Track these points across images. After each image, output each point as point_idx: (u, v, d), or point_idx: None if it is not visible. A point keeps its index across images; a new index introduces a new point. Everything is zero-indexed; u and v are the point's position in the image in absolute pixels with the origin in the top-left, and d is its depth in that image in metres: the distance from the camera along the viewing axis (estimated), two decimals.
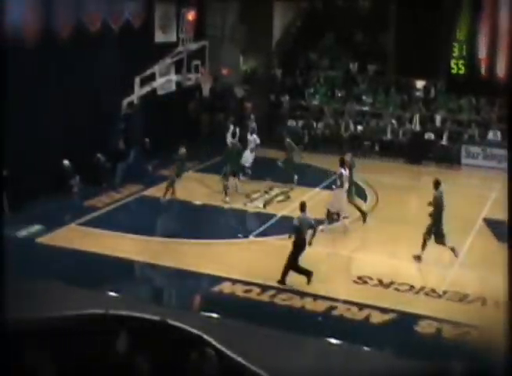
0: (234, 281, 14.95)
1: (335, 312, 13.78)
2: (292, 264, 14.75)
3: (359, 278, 15.35)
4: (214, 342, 11.32)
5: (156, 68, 21.64)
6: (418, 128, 26.23)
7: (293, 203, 18.93)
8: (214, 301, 14.52)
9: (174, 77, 22.06)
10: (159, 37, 23.56)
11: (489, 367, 9.80)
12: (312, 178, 22.49)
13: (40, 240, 17.01)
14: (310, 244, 14.90)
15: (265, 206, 19.99)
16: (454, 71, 9.41)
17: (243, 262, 16.12)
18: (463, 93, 25.15)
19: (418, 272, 16.11)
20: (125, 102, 21.44)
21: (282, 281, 14.83)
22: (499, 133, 25.24)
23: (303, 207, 15.01)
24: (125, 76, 21.48)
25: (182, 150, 20.26)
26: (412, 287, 15.01)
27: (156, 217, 19.47)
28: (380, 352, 12.71)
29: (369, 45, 29.57)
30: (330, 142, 26.86)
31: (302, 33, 31.04)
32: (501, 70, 8.73)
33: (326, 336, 12.89)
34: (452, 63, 9.47)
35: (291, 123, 28.02)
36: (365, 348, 12.57)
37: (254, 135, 22.30)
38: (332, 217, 18.02)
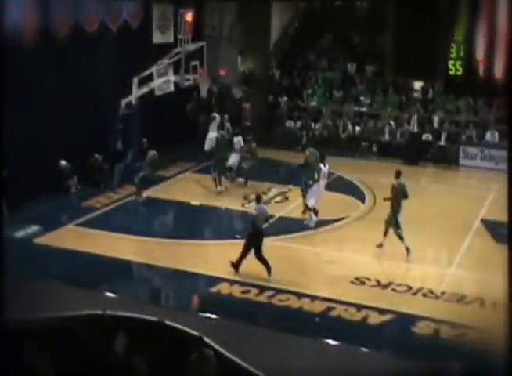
0: (232, 282, 14.94)
1: (333, 313, 13.77)
2: (257, 254, 15.11)
3: (357, 279, 15.34)
4: (211, 343, 11.31)
5: (154, 69, 21.62)
6: (416, 128, 26.23)
7: (291, 204, 18.92)
8: (211, 301, 14.51)
9: (172, 77, 22.04)
10: (157, 37, 23.55)
11: (488, 368, 9.80)
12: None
13: (37, 240, 17.00)
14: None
15: None
16: (452, 72, 9.41)
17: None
18: (461, 94, 25.16)
19: (416, 273, 16.11)
20: (123, 102, 21.41)
21: (235, 267, 15.18)
22: (496, 134, 25.27)
23: (259, 199, 15.53)
24: (123, 76, 21.46)
25: (152, 153, 20.12)
26: (410, 287, 15.00)
27: (154, 218, 19.45)
28: (378, 352, 12.72)
29: (367, 45, 29.59)
30: (328, 143, 26.85)
31: (300, 34, 31.05)
32: (499, 71, 8.73)
33: (323, 337, 12.89)
34: (450, 64, 9.46)
35: (289, 124, 28.03)
36: (363, 349, 12.57)
37: (240, 137, 22.32)
38: (308, 210, 18.50)
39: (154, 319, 11.96)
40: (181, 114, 24.64)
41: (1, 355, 9.18)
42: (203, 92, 23.14)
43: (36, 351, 9.96)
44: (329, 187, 21.19)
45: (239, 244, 17.08)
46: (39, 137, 19.30)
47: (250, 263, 16.13)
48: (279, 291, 14.53)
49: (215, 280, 15.04)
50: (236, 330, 12.84)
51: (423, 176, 25.14)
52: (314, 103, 28.61)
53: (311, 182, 18.35)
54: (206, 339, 10.92)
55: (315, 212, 18.44)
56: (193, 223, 19.03)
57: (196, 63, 22.01)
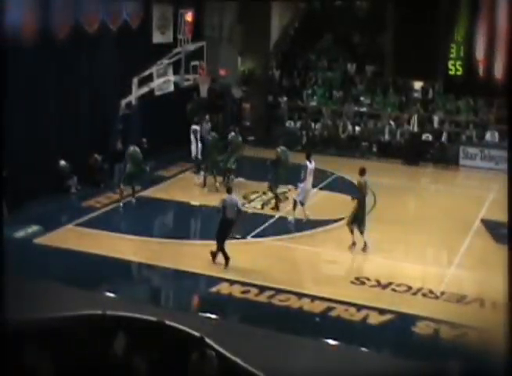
0: (232, 282, 14.94)
1: (333, 313, 13.77)
2: (219, 242, 15.64)
3: (357, 279, 15.35)
4: (211, 343, 11.32)
5: (154, 69, 21.63)
6: (416, 129, 26.23)
7: (291, 204, 18.92)
8: (211, 301, 14.51)
9: (172, 77, 22.05)
10: (157, 37, 23.55)
11: (488, 368, 9.81)
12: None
13: (38, 240, 16.99)
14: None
15: (263, 207, 19.99)
16: (452, 72, 9.41)
17: (241, 263, 16.10)
18: (461, 94, 25.16)
19: (416, 273, 16.11)
20: (123, 102, 21.41)
21: (213, 255, 15.73)
22: (496, 134, 25.27)
23: (229, 190, 16.16)
24: (123, 76, 21.47)
25: (131, 148, 19.87)
26: (410, 287, 15.00)
27: (154, 217, 19.45)
28: (378, 352, 12.74)
29: (367, 45, 29.58)
30: (328, 143, 26.88)
31: (300, 34, 31.04)
32: (499, 71, 8.74)
33: (324, 337, 12.89)
34: (450, 64, 9.47)
35: (289, 124, 28.03)
36: (363, 349, 12.58)
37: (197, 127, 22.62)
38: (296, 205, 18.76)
39: (154, 319, 11.97)
40: (181, 114, 24.64)
41: (1, 355, 9.19)
42: (203, 92, 23.13)
43: (36, 351, 9.97)
44: (330, 187, 21.24)
45: (239, 244, 17.13)
46: (39, 137, 19.30)
47: (251, 263, 16.16)
48: (279, 291, 14.52)
49: (215, 280, 15.04)
50: (236, 330, 12.85)
51: (423, 176, 25.16)
52: (314, 103, 28.61)
53: (300, 184, 18.61)
54: (204, 338, 10.93)
55: (294, 207, 18.70)
56: (193, 223, 19.05)
57: (197, 63, 22.01)
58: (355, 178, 22.62)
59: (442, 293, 14.82)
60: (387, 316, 13.69)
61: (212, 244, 16.10)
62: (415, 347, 12.90)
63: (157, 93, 21.92)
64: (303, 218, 18.56)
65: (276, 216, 19.09)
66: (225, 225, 15.78)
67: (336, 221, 18.79)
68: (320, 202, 18.86)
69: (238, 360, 11.13)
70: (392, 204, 20.58)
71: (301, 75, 29.65)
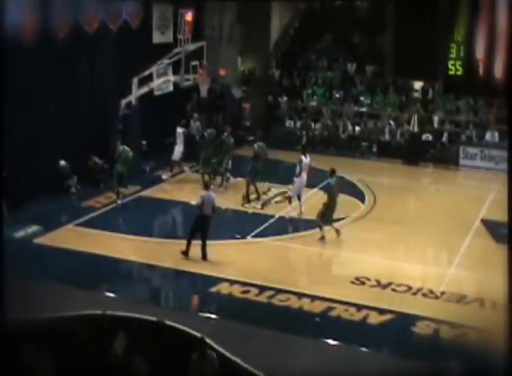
0: (232, 282, 14.94)
1: (333, 313, 13.76)
2: (189, 234, 15.97)
3: (357, 279, 15.34)
4: (211, 343, 11.31)
5: (153, 69, 21.63)
6: (416, 129, 26.23)
7: (293, 201, 18.93)
8: (211, 301, 14.51)
9: (171, 77, 22.06)
10: (157, 37, 23.54)
11: (488, 368, 9.81)
12: (310, 178, 22.44)
13: (37, 240, 16.99)
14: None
15: (263, 207, 19.99)
16: (452, 72, 9.42)
17: (241, 263, 16.11)
18: (461, 94, 25.16)
19: (416, 273, 16.11)
20: (123, 102, 21.41)
21: (185, 253, 15.96)
22: (496, 134, 25.27)
23: (207, 186, 16.78)
24: (123, 76, 21.47)
25: (121, 148, 19.79)
26: (410, 287, 15.00)
27: (154, 217, 19.45)
28: (378, 352, 12.73)
29: (367, 45, 29.59)
30: (328, 143, 26.88)
31: (300, 34, 31.05)
32: (499, 70, 8.74)
33: (324, 337, 12.89)
34: (450, 64, 9.47)
35: (289, 124, 28.03)
36: (363, 349, 12.58)
37: (182, 129, 22.65)
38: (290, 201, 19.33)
39: (154, 319, 11.96)
40: (181, 114, 24.62)
41: (1, 355, 9.18)
42: (203, 92, 23.14)
43: (36, 351, 9.96)
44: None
45: (239, 244, 17.14)
46: (39, 137, 19.30)
47: (251, 263, 16.17)
48: (279, 291, 14.52)
49: (215, 280, 15.04)
50: (236, 330, 12.84)
51: (423, 176, 25.16)
52: (314, 103, 28.61)
53: (295, 179, 18.90)
54: (204, 338, 10.93)
55: (290, 201, 19.24)
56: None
57: (196, 62, 22.01)
58: (355, 178, 22.77)
59: (442, 293, 14.82)
60: (387, 316, 13.69)
61: (212, 244, 16.11)
62: (415, 347, 12.90)
63: (157, 93, 21.93)
64: (298, 217, 18.60)
65: (276, 216, 19.10)
66: (200, 222, 15.97)
67: (336, 221, 18.77)
68: (320, 202, 18.81)
69: (238, 360, 11.13)
70: (392, 204, 20.58)
71: (301, 75, 29.65)
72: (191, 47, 21.98)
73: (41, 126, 19.38)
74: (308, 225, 18.25)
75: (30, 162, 19.02)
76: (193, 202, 16.75)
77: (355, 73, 29.42)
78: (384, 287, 15.05)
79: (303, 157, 18.96)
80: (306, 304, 14.11)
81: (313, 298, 14.31)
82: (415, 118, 26.28)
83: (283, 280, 15.13)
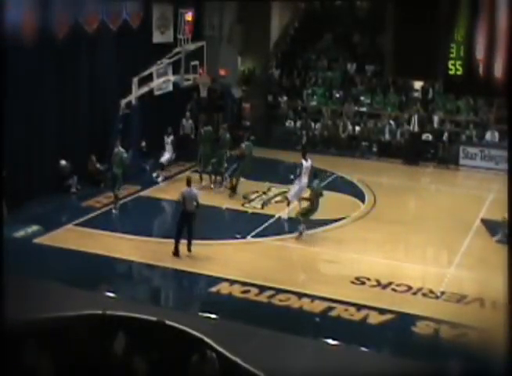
0: (232, 282, 14.94)
1: (333, 313, 13.77)
2: (175, 233, 16.13)
3: (357, 279, 15.34)
4: (211, 343, 11.32)
5: (153, 68, 21.63)
6: (416, 128, 26.21)
7: (291, 203, 18.91)
8: (211, 301, 14.51)
9: (171, 77, 22.06)
10: (157, 37, 23.53)
11: (488, 368, 9.81)
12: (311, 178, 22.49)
13: (37, 240, 16.99)
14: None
15: (262, 206, 19.99)
16: (452, 72, 9.42)
17: (241, 263, 16.11)
18: (461, 94, 25.13)
19: (416, 273, 16.11)
20: (123, 102, 21.41)
21: (175, 254, 16.08)
22: (496, 134, 25.25)
23: (189, 182, 16.67)
24: (123, 76, 21.47)
25: (115, 150, 19.48)
26: (410, 287, 15.00)
27: (154, 217, 19.45)
28: (378, 352, 12.74)
29: (367, 45, 29.58)
30: (328, 142, 26.87)
31: (300, 34, 31.04)
32: (499, 70, 8.74)
33: (324, 337, 12.89)
34: (450, 63, 9.47)
35: (289, 124, 28.03)
36: (363, 349, 12.58)
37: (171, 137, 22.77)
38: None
39: (154, 319, 11.96)
40: (181, 114, 24.62)
41: (1, 355, 9.18)
42: (203, 92, 23.14)
43: (36, 351, 9.96)
44: (330, 187, 21.23)
45: (239, 244, 17.14)
46: (39, 137, 19.30)
47: (251, 263, 16.17)
48: (279, 291, 14.52)
49: (215, 280, 15.04)
50: (236, 330, 12.84)
51: (423, 176, 25.15)
52: (314, 103, 28.59)
53: (295, 181, 18.93)
54: (204, 338, 10.93)
55: (288, 204, 19.07)
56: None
57: (197, 62, 22.00)
58: (355, 178, 22.78)
59: (442, 293, 14.82)
60: (387, 316, 13.69)
61: (212, 244, 16.12)
62: (415, 347, 12.91)
63: (157, 93, 21.93)
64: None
65: (276, 216, 19.09)
66: (184, 218, 16.15)
67: (336, 221, 18.80)
68: (320, 202, 18.83)
69: (238, 360, 11.13)
70: (392, 204, 20.58)
71: (300, 75, 29.63)
72: (191, 47, 21.97)
73: (41, 126, 19.38)
74: (308, 225, 18.22)
75: (30, 162, 19.02)
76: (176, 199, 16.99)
77: (355, 73, 29.41)
78: (384, 286, 15.05)
79: (303, 161, 18.88)
80: (306, 304, 14.11)
81: (313, 297, 14.31)
82: (415, 118, 26.27)
83: (283, 279, 15.14)
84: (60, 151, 19.99)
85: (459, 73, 9.82)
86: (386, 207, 20.18)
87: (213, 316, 13.49)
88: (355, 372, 11.57)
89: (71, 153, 20.21)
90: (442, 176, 24.72)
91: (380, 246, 17.18)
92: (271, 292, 14.49)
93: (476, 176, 24.35)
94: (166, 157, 22.50)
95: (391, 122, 26.90)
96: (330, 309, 13.90)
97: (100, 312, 11.93)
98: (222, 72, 25.32)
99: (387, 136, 26.66)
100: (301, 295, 14.39)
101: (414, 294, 14.79)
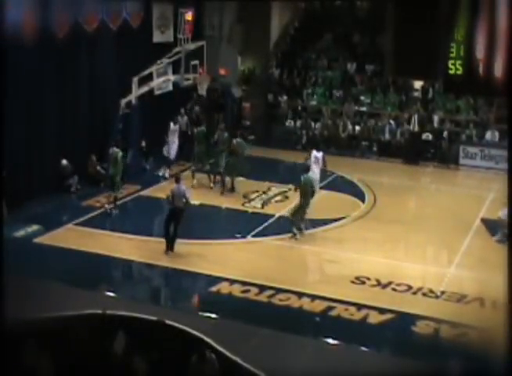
0: (232, 281, 14.94)
1: (333, 313, 13.77)
2: (164, 230, 16.33)
3: (357, 278, 15.34)
4: (211, 342, 11.32)
5: (153, 68, 21.63)
6: (416, 128, 26.21)
7: (291, 203, 18.93)
8: (211, 301, 14.51)
9: (171, 77, 22.06)
10: (157, 37, 23.53)
11: (488, 368, 9.81)
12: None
13: (37, 240, 16.99)
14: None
15: (263, 206, 20.00)
16: (452, 72, 9.42)
17: (241, 263, 16.12)
18: (461, 93, 25.12)
19: (416, 273, 16.11)
20: (123, 102, 21.41)
21: (168, 249, 16.24)
22: (496, 133, 25.25)
23: (177, 179, 16.74)
24: (123, 76, 21.47)
25: (111, 150, 19.28)
26: (410, 287, 15.00)
27: (154, 217, 19.44)
28: (378, 352, 12.74)
29: (367, 45, 29.58)
30: (328, 142, 26.84)
31: (300, 33, 31.04)
32: (499, 70, 8.74)
33: (324, 336, 12.89)
34: (450, 63, 9.47)
35: (289, 123, 28.03)
36: (363, 349, 12.58)
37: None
38: None
39: (154, 319, 11.97)
40: (180, 114, 24.61)
41: (1, 355, 9.19)
42: (203, 92, 23.13)
43: (36, 351, 9.97)
44: (330, 187, 21.25)
45: (239, 244, 17.14)
46: (39, 137, 19.29)
47: (251, 263, 16.17)
48: (279, 291, 14.53)
49: (215, 280, 15.04)
50: (235, 330, 12.84)
51: (423, 176, 25.15)
52: (314, 103, 28.59)
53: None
54: (204, 338, 10.93)
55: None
56: (193, 223, 19.00)
57: (197, 62, 22.00)
58: (355, 178, 22.79)
59: (442, 292, 14.83)
60: (387, 316, 13.69)
61: (212, 244, 16.12)
62: (415, 346, 12.91)
63: (157, 92, 21.93)
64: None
65: (276, 215, 19.10)
66: (173, 215, 16.32)
67: (336, 220, 18.80)
68: (320, 201, 18.85)
69: (238, 360, 11.13)
70: (392, 204, 20.58)
71: (300, 74, 29.63)
72: (191, 46, 21.96)
73: (41, 126, 19.37)
74: (308, 224, 18.23)
75: (30, 162, 19.01)
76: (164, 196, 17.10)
77: (354, 72, 29.40)
78: (384, 286, 15.06)
79: (315, 152, 19.32)
80: (306, 303, 14.11)
81: (313, 297, 14.32)
82: (415, 118, 26.26)
83: (283, 279, 15.14)
84: (60, 151, 19.98)
85: (459, 72, 9.82)
86: (386, 207, 20.18)
87: (213, 315, 13.49)
88: (355, 372, 11.57)
89: (71, 153, 20.20)
90: (442, 176, 24.72)
91: (380, 245, 17.18)
92: (271, 292, 14.49)
93: (476, 176, 24.35)
94: (173, 148, 22.43)
95: (391, 122, 26.89)
96: (330, 308, 13.90)
97: (100, 311, 11.93)
98: (222, 72, 25.32)
99: (387, 136, 26.66)
100: (301, 295, 14.39)
101: (414, 293, 14.79)
